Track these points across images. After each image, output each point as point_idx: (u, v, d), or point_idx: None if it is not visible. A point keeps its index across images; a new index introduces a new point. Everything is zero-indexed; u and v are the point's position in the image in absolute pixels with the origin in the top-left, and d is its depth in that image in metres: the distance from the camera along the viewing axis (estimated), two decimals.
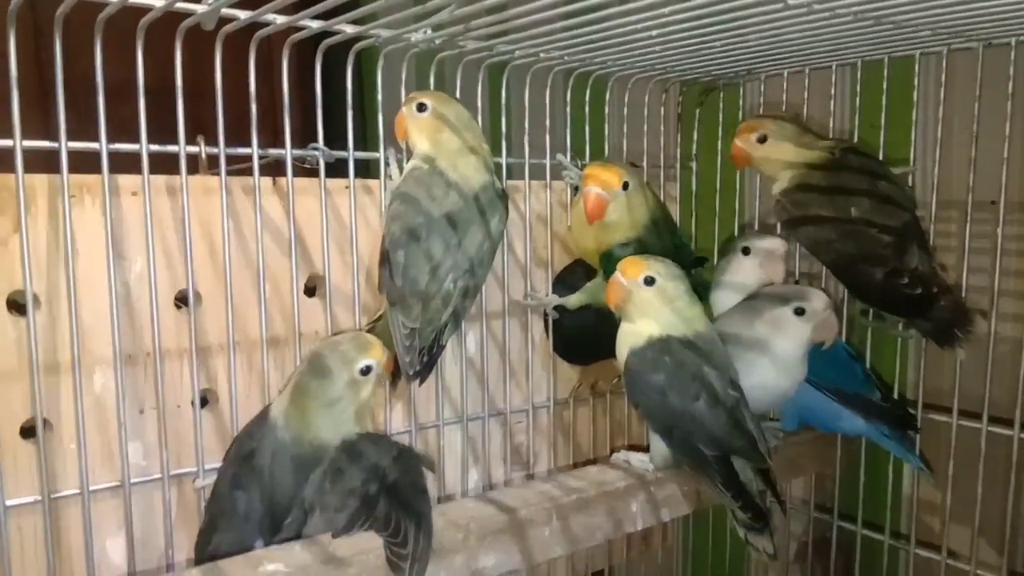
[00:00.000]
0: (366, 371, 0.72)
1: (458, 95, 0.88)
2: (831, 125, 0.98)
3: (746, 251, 0.97)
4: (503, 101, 0.90)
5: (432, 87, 0.86)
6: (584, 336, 1.02)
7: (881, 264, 0.84)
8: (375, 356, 0.73)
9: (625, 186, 0.85)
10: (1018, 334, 0.87)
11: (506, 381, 0.94)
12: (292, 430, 0.71)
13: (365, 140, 0.86)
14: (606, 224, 0.87)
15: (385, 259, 0.77)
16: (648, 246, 0.87)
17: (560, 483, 0.81)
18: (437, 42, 0.79)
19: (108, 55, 0.67)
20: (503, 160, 0.91)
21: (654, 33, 0.75)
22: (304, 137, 0.81)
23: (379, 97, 0.85)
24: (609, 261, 0.87)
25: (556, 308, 0.97)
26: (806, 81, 0.99)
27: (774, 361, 0.84)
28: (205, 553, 0.70)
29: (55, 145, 0.66)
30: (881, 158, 0.93)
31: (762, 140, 0.91)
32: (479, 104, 0.88)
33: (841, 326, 0.98)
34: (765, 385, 0.84)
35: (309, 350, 0.74)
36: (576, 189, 0.98)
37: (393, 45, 0.80)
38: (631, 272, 0.79)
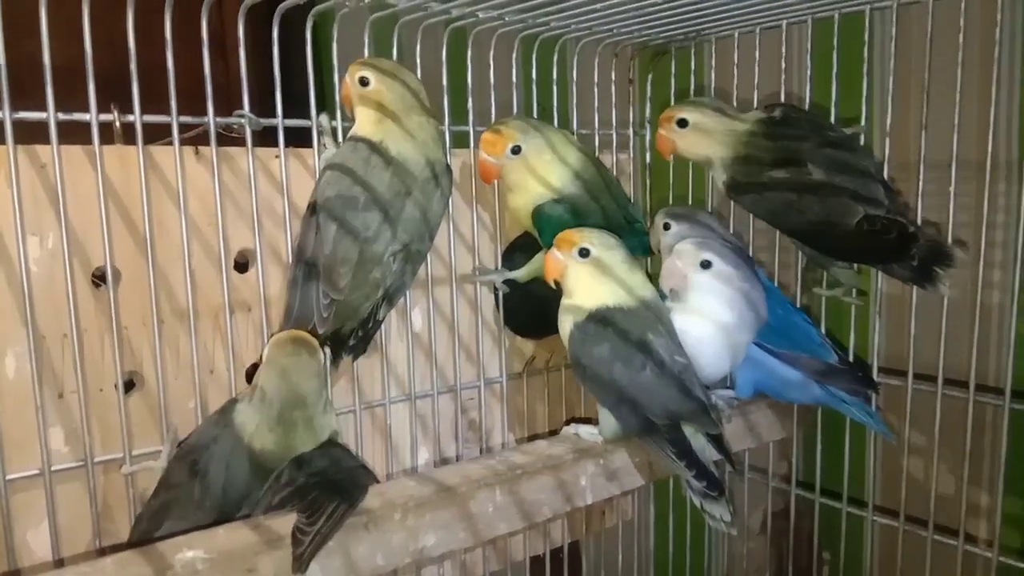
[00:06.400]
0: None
1: (394, 58, 0.84)
2: (781, 86, 0.96)
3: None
4: (443, 65, 0.87)
5: (367, 50, 0.82)
6: (537, 309, 0.99)
7: (849, 215, 0.81)
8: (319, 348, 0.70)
9: (516, 150, 0.83)
10: (971, 298, 0.85)
11: (455, 356, 0.91)
12: (263, 442, 0.68)
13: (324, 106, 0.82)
14: (511, 187, 0.86)
15: (313, 225, 0.74)
16: (580, 207, 0.84)
17: (505, 458, 0.78)
18: (366, 0, 0.76)
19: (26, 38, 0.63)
20: (446, 128, 0.87)
21: None
22: (264, 106, 0.77)
23: (310, 63, 0.80)
24: (540, 220, 0.85)
25: (506, 282, 0.94)
26: (756, 41, 0.96)
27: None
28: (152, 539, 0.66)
29: None
30: (833, 119, 0.91)
31: (682, 124, 0.89)
32: (419, 69, 0.84)
33: (798, 294, 0.96)
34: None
35: (274, 361, 0.69)
36: None
37: (323, 5, 0.76)
38: (565, 245, 0.78)
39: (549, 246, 0.81)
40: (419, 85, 0.79)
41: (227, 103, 0.75)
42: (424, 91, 0.79)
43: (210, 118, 0.73)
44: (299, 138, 0.81)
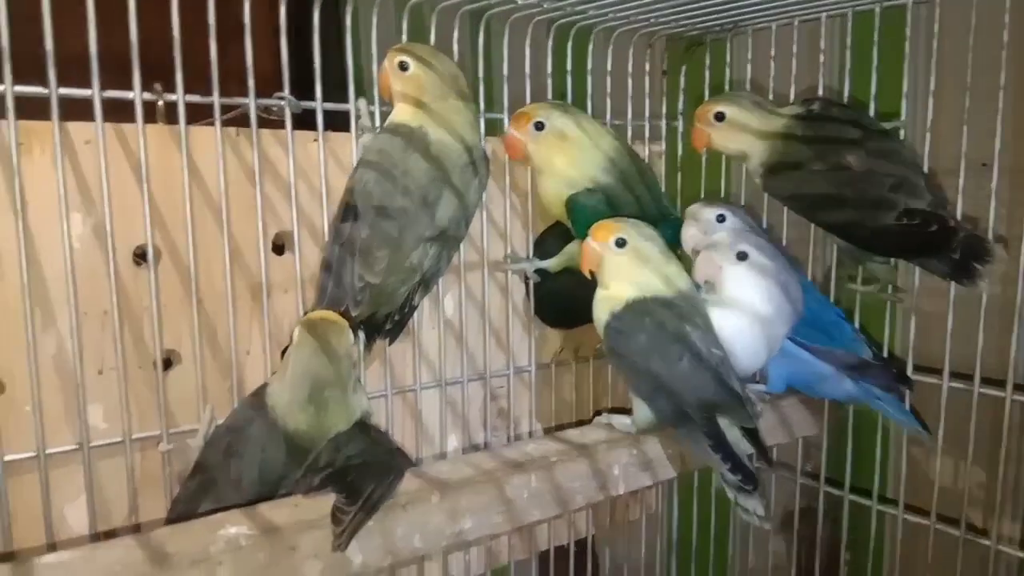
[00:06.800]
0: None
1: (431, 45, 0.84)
2: (819, 80, 0.95)
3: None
4: (480, 53, 0.87)
5: (405, 37, 0.82)
6: (566, 299, 0.99)
7: (890, 208, 0.80)
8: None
9: (539, 126, 0.82)
10: (1010, 296, 0.84)
11: (485, 344, 0.91)
12: (296, 422, 0.68)
13: (360, 90, 0.82)
14: (539, 169, 0.85)
15: (351, 209, 0.74)
16: (615, 196, 0.83)
17: (540, 446, 0.78)
18: None
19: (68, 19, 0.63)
20: (481, 116, 0.87)
21: None
22: (293, 87, 0.77)
23: (349, 47, 0.80)
24: (574, 210, 0.84)
25: (537, 271, 0.94)
26: (794, 34, 0.96)
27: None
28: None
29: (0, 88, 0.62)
30: (872, 113, 0.90)
31: (719, 118, 0.88)
32: (455, 56, 0.84)
33: (830, 290, 0.96)
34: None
35: (305, 341, 0.69)
36: None
37: None
38: (601, 235, 0.77)
39: (582, 237, 0.81)
40: (457, 70, 0.79)
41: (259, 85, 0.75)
42: (463, 76, 0.79)
43: (251, 99, 0.74)
44: (332, 122, 0.81)
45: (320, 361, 0.69)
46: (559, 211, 0.87)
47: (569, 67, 0.95)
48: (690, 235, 0.87)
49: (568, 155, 0.84)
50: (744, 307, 0.79)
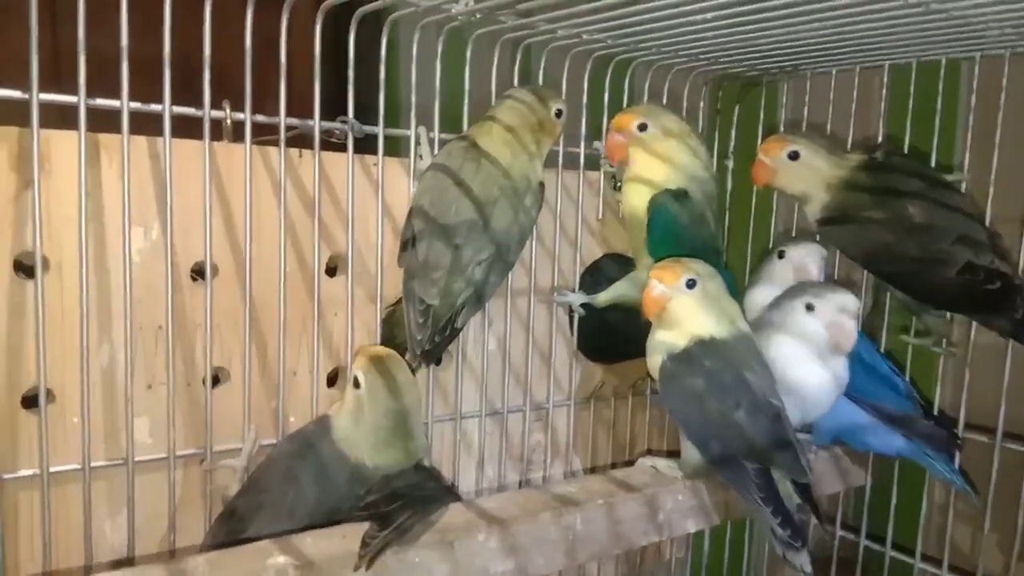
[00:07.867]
0: None
1: (493, 75, 0.85)
2: (880, 128, 0.94)
3: (781, 254, 0.93)
4: (540, 84, 0.87)
5: (468, 65, 0.82)
6: (609, 335, 0.98)
7: (951, 262, 0.79)
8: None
9: (642, 127, 0.82)
10: None
11: (527, 376, 0.90)
12: (381, 459, 0.68)
13: (390, 116, 0.82)
14: (632, 175, 0.84)
15: (410, 230, 0.75)
16: (695, 210, 0.82)
17: (586, 484, 0.77)
18: (477, 15, 0.75)
19: (137, 31, 0.64)
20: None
21: (710, 16, 0.71)
22: (334, 111, 0.77)
23: (414, 73, 0.80)
24: (654, 212, 0.81)
25: (583, 305, 0.93)
26: (855, 80, 0.95)
27: (780, 358, 0.79)
28: (239, 539, 0.65)
29: (74, 99, 0.62)
30: (933, 165, 0.89)
31: (794, 157, 0.87)
32: (492, 84, 0.85)
33: (881, 340, 0.94)
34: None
35: (376, 380, 0.69)
36: (614, 177, 0.95)
37: (431, 16, 0.76)
38: (669, 277, 0.74)
39: (656, 242, 0.80)
40: (535, 105, 0.80)
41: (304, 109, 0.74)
42: (542, 113, 0.80)
43: (316, 122, 0.74)
44: (391, 148, 0.80)
45: (396, 393, 0.69)
46: (640, 218, 0.84)
47: (625, 102, 0.95)
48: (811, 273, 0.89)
49: (663, 157, 0.83)
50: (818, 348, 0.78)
